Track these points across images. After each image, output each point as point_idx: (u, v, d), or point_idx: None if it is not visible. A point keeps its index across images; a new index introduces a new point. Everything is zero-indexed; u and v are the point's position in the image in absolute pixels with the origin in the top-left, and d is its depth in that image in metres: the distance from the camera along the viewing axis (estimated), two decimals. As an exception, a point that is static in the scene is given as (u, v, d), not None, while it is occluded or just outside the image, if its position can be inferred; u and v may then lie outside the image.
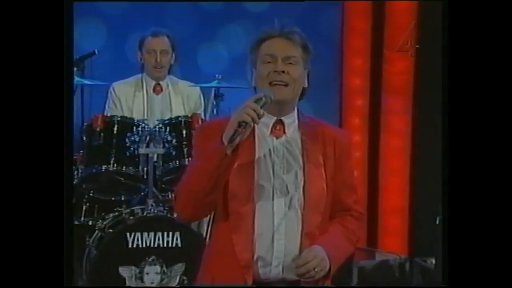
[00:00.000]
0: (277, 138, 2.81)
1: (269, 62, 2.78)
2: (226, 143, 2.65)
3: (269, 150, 2.79)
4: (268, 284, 2.79)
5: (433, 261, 5.73)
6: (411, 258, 5.70)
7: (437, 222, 5.25)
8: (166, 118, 5.09)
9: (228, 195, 2.76)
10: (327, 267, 2.75)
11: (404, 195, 6.51)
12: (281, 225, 2.76)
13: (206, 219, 4.19)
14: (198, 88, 5.46)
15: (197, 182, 2.71)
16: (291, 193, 2.77)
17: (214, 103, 5.16)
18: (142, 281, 4.70)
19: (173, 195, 2.90)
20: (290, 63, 2.77)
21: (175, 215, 4.48)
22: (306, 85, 2.84)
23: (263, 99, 2.68)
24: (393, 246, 6.39)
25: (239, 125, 2.63)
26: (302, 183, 2.78)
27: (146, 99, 5.37)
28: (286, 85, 2.75)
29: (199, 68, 6.02)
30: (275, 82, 2.75)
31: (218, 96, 5.15)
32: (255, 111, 2.64)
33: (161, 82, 5.41)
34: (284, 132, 2.82)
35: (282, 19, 2.86)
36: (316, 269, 2.71)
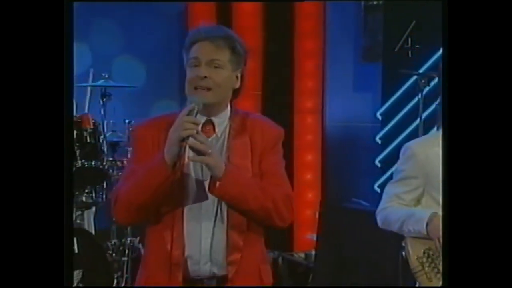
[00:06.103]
0: (208, 137, 2.81)
1: (195, 66, 2.80)
2: (169, 161, 2.68)
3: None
4: (199, 282, 2.81)
5: (302, 254, 5.91)
6: (281, 253, 5.80)
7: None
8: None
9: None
10: (212, 158, 2.69)
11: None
12: (209, 222, 2.79)
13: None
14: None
15: (138, 195, 2.74)
16: None
17: (101, 103, 4.92)
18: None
19: (109, 197, 2.83)
20: (215, 67, 2.79)
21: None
22: (237, 86, 2.86)
23: (195, 108, 2.72)
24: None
25: (183, 140, 2.66)
26: None
27: None
28: (209, 90, 2.78)
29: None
30: (198, 87, 2.78)
31: (106, 95, 4.91)
32: (193, 123, 2.68)
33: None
34: (214, 131, 2.85)
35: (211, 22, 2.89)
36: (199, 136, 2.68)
